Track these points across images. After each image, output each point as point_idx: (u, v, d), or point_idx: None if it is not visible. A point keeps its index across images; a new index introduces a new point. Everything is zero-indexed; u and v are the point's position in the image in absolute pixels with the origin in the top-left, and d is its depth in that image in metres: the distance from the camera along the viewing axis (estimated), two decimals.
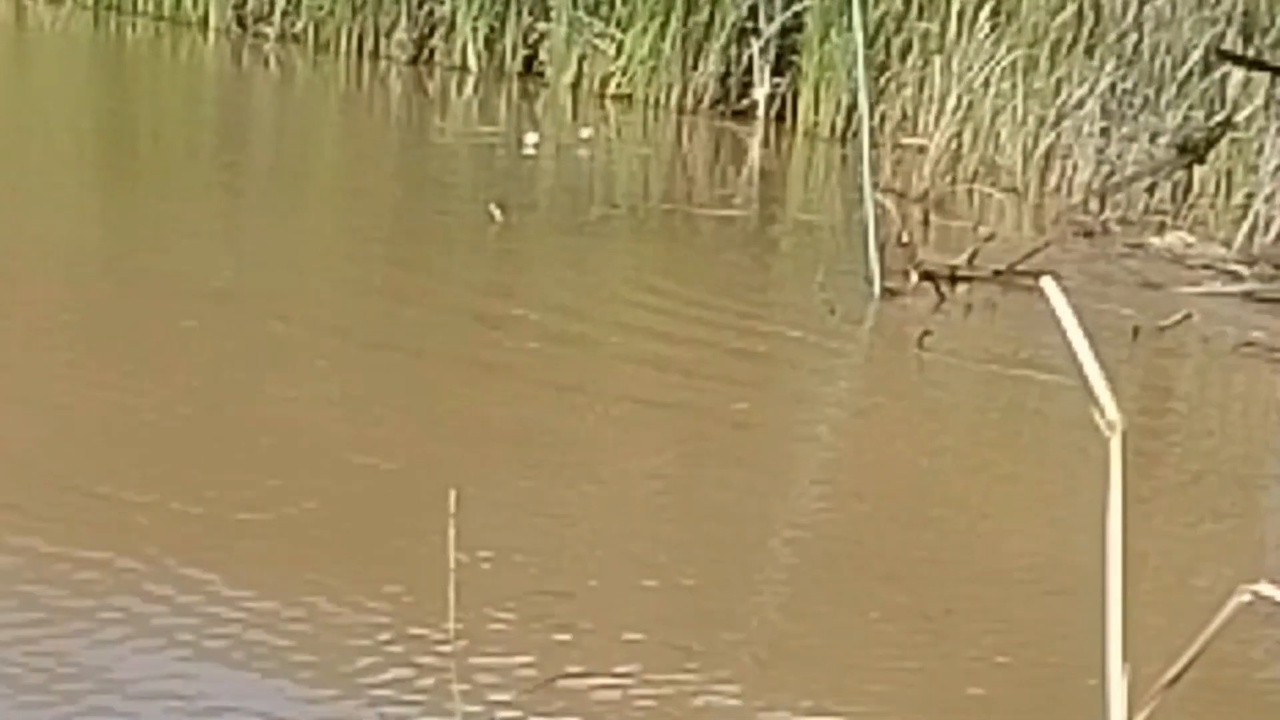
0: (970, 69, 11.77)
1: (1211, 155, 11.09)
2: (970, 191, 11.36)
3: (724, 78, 12.78)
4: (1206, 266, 10.16)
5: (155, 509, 5.69)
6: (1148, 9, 11.66)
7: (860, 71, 9.97)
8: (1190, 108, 11.24)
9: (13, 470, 5.94)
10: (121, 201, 9.90)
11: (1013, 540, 6.43)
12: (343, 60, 13.36)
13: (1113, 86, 11.49)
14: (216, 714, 4.67)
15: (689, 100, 12.76)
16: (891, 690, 5.22)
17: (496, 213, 9.63)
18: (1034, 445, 7.74)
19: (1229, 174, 11.05)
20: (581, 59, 12.94)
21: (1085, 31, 11.83)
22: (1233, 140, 11.07)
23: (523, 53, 13.20)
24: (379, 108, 13.13)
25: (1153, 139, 11.25)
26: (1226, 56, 10.93)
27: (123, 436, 6.32)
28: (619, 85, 12.84)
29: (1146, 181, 10.96)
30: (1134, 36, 11.67)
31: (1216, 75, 11.29)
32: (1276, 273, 10.12)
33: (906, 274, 9.26)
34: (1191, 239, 10.58)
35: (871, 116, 10.52)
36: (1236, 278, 10.04)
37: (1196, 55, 11.38)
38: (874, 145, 10.24)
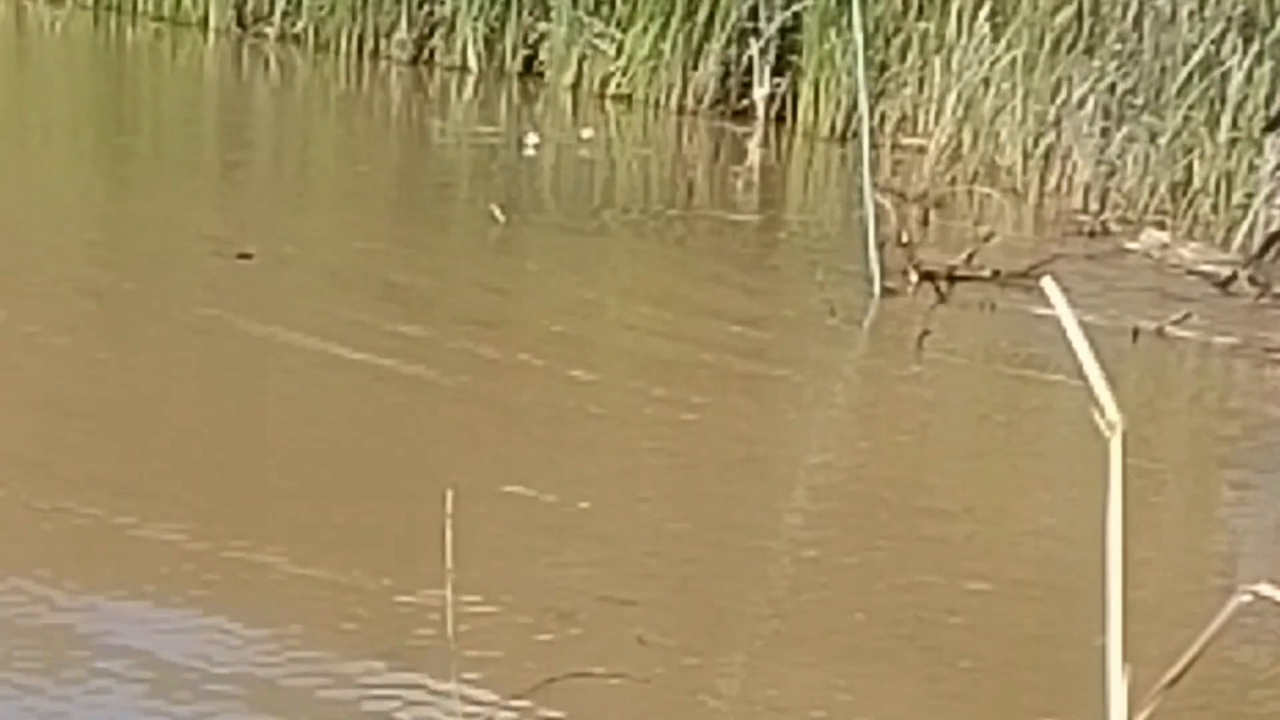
0: (970, 69, 11.77)
1: (1211, 154, 11.09)
2: (970, 191, 11.36)
3: (724, 78, 12.77)
4: (1190, 271, 10.16)
5: (152, 511, 5.70)
6: (1148, 9, 11.65)
7: (860, 71, 9.97)
8: (1190, 108, 11.23)
9: (13, 464, 5.94)
10: (120, 202, 9.90)
11: (1013, 540, 6.43)
12: (343, 60, 13.35)
13: (1113, 86, 11.48)
14: (215, 714, 4.67)
15: (689, 100, 12.75)
16: (892, 692, 5.22)
17: (498, 213, 9.63)
18: (1033, 445, 7.74)
19: (1229, 174, 11.04)
20: (581, 59, 12.93)
21: (1085, 31, 11.82)
22: (1233, 140, 11.07)
23: (523, 53, 13.18)
24: (379, 108, 13.13)
25: (1153, 139, 11.24)
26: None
27: (116, 440, 6.32)
28: (619, 85, 12.83)
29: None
30: (1134, 36, 11.66)
31: (1216, 74, 11.28)
32: (1251, 273, 10.11)
33: (906, 274, 9.25)
34: (1167, 238, 10.58)
35: (871, 116, 10.52)
36: (1215, 279, 10.03)
37: (1197, 55, 11.37)
38: (874, 145, 10.24)
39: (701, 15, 12.64)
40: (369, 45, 13.42)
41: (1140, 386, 8.39)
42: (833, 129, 12.44)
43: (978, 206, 11.24)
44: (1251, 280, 10.01)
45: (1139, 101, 11.41)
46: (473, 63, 13.20)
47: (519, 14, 13.14)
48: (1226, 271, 10.10)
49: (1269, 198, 10.67)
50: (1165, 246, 10.45)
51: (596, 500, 6.31)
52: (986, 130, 11.65)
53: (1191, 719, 4.90)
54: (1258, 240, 10.38)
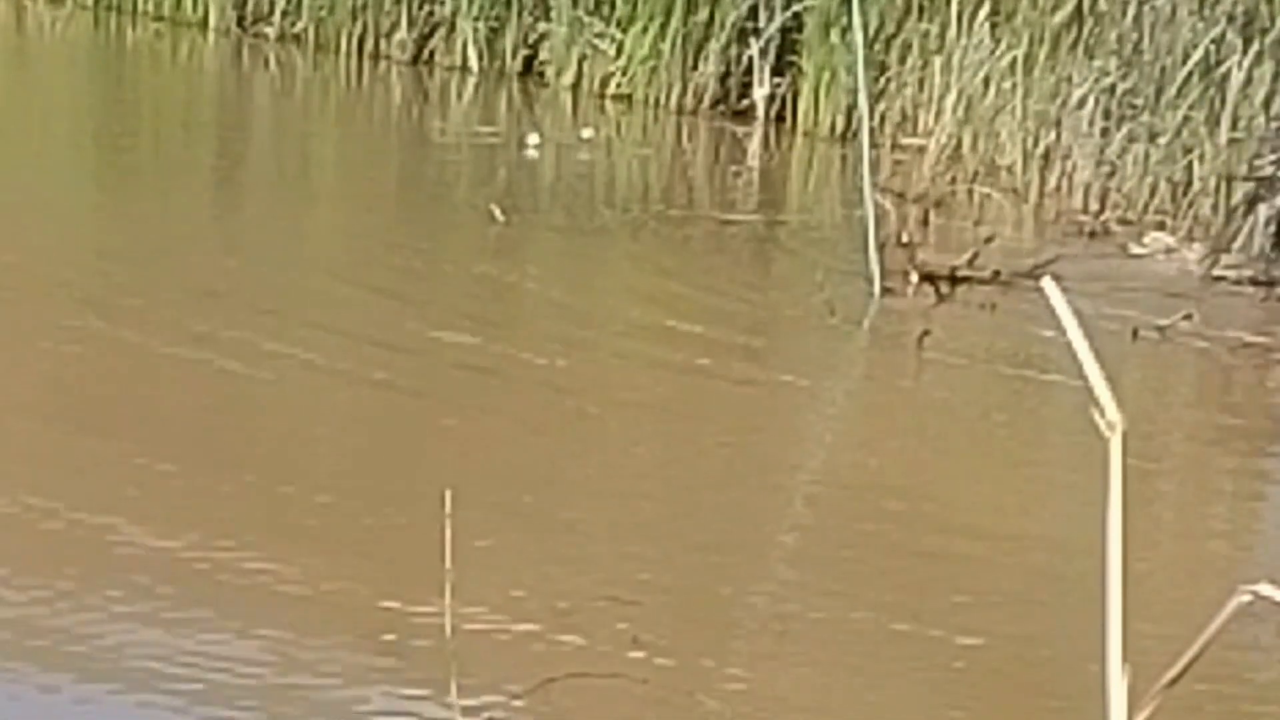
0: (970, 69, 11.77)
1: (1211, 154, 11.09)
2: (970, 191, 11.36)
3: (724, 78, 12.77)
4: (1190, 271, 10.17)
5: (153, 513, 5.69)
6: (1148, 9, 11.65)
7: (860, 71, 9.96)
8: (1190, 108, 11.23)
9: (8, 470, 5.94)
10: (120, 204, 9.90)
11: (1013, 540, 6.42)
12: (343, 60, 13.35)
13: (1113, 86, 11.48)
14: (216, 714, 4.67)
15: (689, 100, 12.75)
16: (892, 691, 5.22)
17: (497, 213, 9.63)
18: (1033, 445, 7.74)
19: (1229, 174, 11.03)
20: (581, 59, 12.93)
21: (1085, 31, 11.82)
22: (1231, 140, 11.07)
23: (523, 53, 13.18)
24: (379, 108, 13.13)
25: (1153, 139, 11.24)
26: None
27: (118, 441, 6.32)
28: (619, 85, 12.83)
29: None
30: (1134, 36, 11.66)
31: (1216, 75, 11.28)
32: (1259, 272, 10.11)
33: (906, 274, 9.25)
34: (1173, 241, 10.57)
35: (871, 116, 10.51)
36: (1221, 281, 10.04)
37: (1197, 55, 11.37)
38: (874, 145, 10.23)
39: (701, 15, 12.64)
40: (369, 45, 13.42)
41: (1141, 387, 8.39)
42: (833, 129, 12.44)
43: (978, 207, 11.24)
44: (1254, 280, 10.01)
45: (1139, 101, 11.41)
46: (473, 63, 13.20)
47: (519, 14, 13.14)
48: (1232, 274, 10.10)
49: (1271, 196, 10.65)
50: (1171, 250, 10.45)
51: (596, 502, 6.31)
52: (986, 130, 11.65)
53: (1191, 719, 4.91)
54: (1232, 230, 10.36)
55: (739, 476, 6.68)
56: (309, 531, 5.70)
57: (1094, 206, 11.27)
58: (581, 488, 6.43)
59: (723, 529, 6.15)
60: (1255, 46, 11.34)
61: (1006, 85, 11.65)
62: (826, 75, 12.44)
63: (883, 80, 12.16)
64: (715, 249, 9.85)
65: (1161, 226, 10.86)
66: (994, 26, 11.88)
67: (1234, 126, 11.12)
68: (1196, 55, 11.38)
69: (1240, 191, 10.53)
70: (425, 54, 13.38)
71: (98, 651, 4.87)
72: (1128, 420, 1.72)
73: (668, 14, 12.62)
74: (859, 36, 10.00)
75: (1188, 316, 9.12)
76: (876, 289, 9.07)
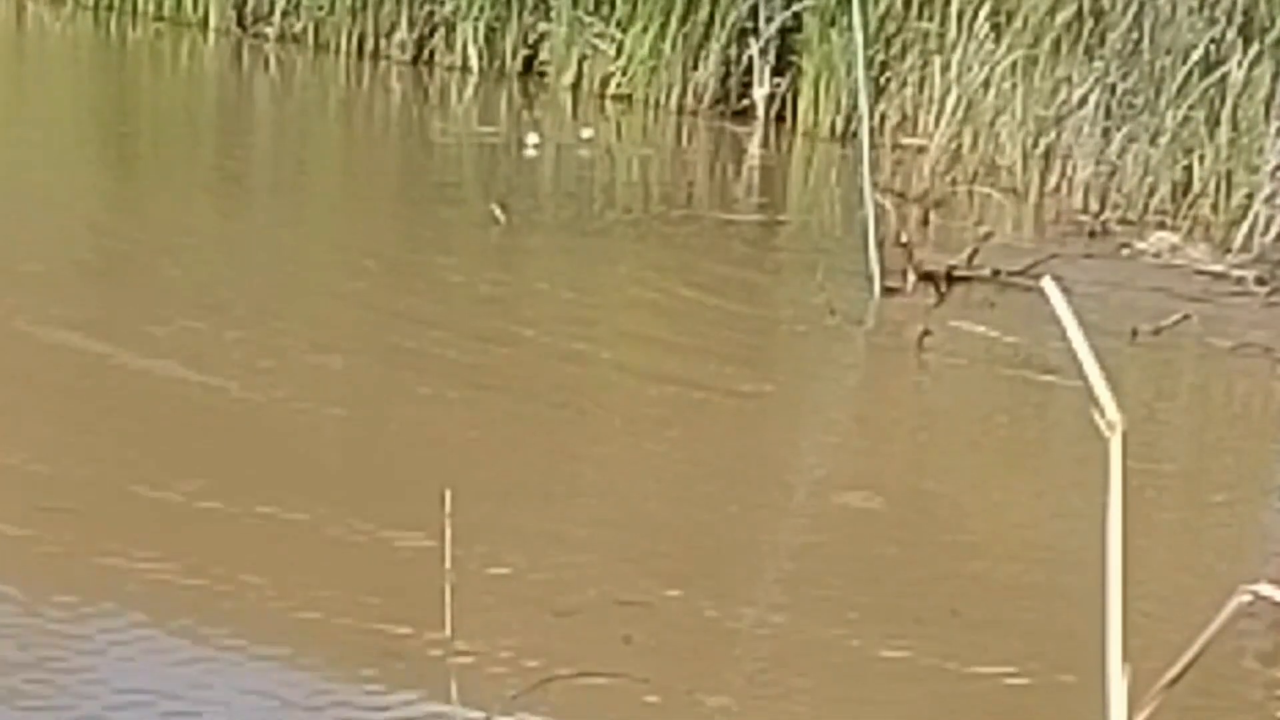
0: (970, 69, 11.77)
1: (1211, 154, 11.09)
2: (970, 191, 11.36)
3: (724, 78, 12.77)
4: (1197, 272, 10.17)
5: (154, 511, 5.70)
6: (1148, 9, 11.66)
7: (860, 71, 9.97)
8: (1190, 108, 11.23)
9: (6, 469, 5.94)
10: (120, 204, 9.90)
11: (1013, 541, 6.42)
12: (343, 60, 13.35)
13: (1113, 86, 11.48)
14: (215, 712, 4.67)
15: (689, 100, 12.76)
16: (893, 692, 5.22)
17: (498, 213, 9.63)
18: (1033, 445, 7.74)
19: (1229, 174, 11.04)
20: (581, 59, 12.94)
21: (1085, 31, 11.83)
22: (1232, 140, 11.07)
23: (523, 53, 13.19)
24: (379, 108, 13.13)
25: (1153, 139, 11.24)
26: None
27: (118, 441, 6.32)
28: (619, 85, 12.83)
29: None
30: (1134, 36, 11.66)
31: (1216, 75, 11.29)
32: (1265, 272, 10.12)
33: (906, 274, 9.25)
34: (1176, 239, 10.58)
35: (871, 116, 10.52)
36: (1224, 279, 10.05)
37: (1196, 55, 11.38)
38: (874, 145, 10.23)
39: (701, 15, 12.65)
40: (369, 45, 13.43)
41: (1141, 387, 8.39)
42: (833, 129, 12.45)
43: (978, 206, 11.24)
44: (1257, 280, 10.02)
45: (1139, 101, 11.41)
46: (473, 63, 13.20)
47: (519, 14, 13.15)
48: (1236, 273, 10.11)
49: (1269, 198, 10.67)
50: (1175, 249, 10.45)
51: (596, 503, 6.31)
52: (986, 130, 11.66)
53: (1190, 719, 4.91)
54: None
55: (739, 477, 6.68)
56: (308, 533, 5.70)
57: (1094, 206, 11.28)
58: (582, 488, 6.43)
59: (722, 530, 6.15)
60: (1255, 46, 11.35)
61: (1006, 85, 11.65)
62: (826, 75, 12.45)
63: (883, 80, 12.16)
64: (715, 248, 9.85)
65: (1162, 226, 10.87)
66: (994, 27, 11.89)
67: (1234, 127, 11.13)
68: (1196, 55, 11.38)
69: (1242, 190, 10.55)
70: (425, 54, 13.39)
71: (91, 663, 4.87)
72: (1127, 421, 1.72)
73: (668, 14, 12.62)
74: (859, 36, 10.00)
75: (1187, 317, 9.13)
76: (876, 289, 9.08)
